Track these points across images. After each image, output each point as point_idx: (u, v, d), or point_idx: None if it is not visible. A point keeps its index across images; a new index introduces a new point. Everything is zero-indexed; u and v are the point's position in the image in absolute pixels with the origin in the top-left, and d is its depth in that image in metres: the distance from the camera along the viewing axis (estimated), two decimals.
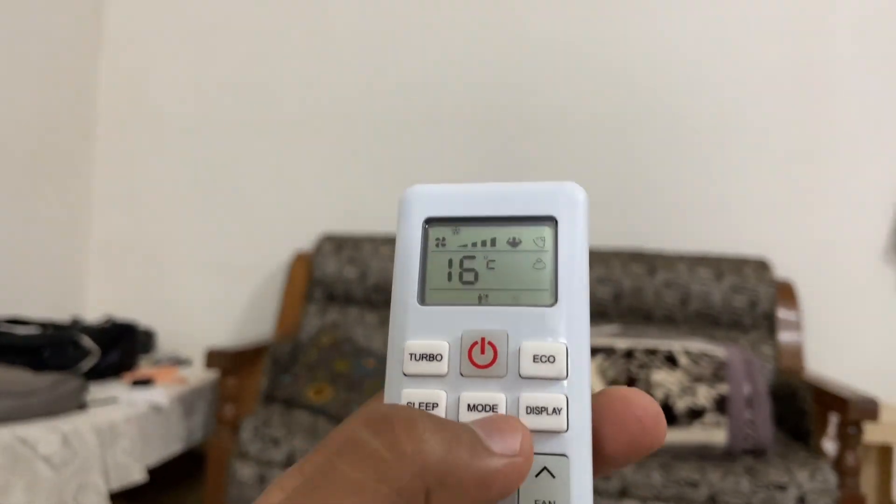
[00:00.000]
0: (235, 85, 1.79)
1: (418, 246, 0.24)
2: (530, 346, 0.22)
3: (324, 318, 1.63)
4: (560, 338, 0.22)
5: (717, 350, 1.30)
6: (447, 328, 0.23)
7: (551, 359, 0.22)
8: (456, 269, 0.24)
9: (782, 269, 1.49)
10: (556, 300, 0.23)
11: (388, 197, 1.66)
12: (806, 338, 1.46)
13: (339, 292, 1.65)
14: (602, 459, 0.22)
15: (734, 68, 1.53)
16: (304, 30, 1.77)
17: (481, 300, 0.23)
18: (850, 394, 1.24)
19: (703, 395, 1.24)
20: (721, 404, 1.24)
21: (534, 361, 0.22)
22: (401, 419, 0.19)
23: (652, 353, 1.28)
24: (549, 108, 1.62)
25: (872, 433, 1.35)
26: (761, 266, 1.49)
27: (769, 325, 1.47)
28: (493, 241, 0.24)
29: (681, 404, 1.23)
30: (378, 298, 1.67)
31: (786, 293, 1.48)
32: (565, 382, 0.22)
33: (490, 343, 0.22)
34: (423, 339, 0.23)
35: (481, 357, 0.22)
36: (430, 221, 0.24)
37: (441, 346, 0.23)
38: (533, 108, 1.65)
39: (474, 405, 0.22)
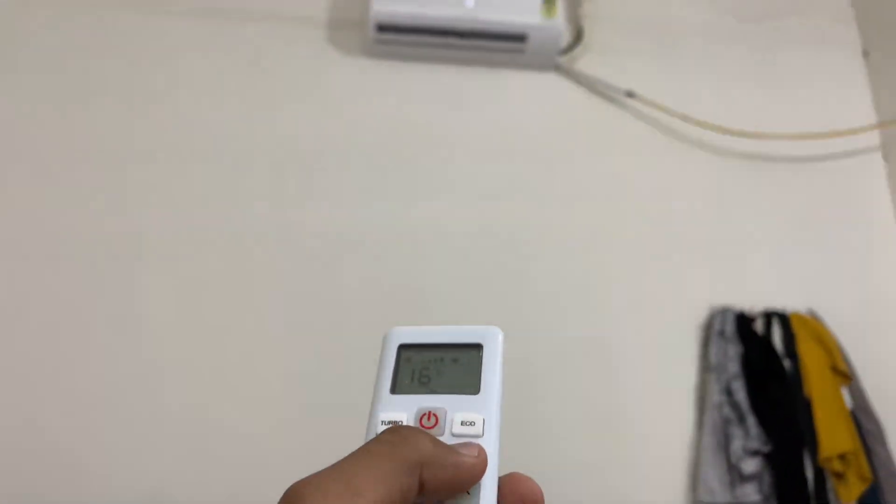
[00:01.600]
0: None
1: (393, 361, 0.36)
2: (459, 416, 0.33)
3: None
4: (479, 413, 0.34)
5: None
6: (408, 407, 0.34)
7: (473, 423, 0.33)
8: (417, 375, 0.36)
9: None
10: (479, 391, 0.35)
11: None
12: None
13: None
14: None
15: (535, 345, 1.47)
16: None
17: (432, 392, 0.35)
18: None
19: None
20: None
21: (461, 425, 0.33)
22: (407, 427, 0.32)
23: None
24: None
25: None
26: None
27: None
28: (442, 359, 0.36)
29: None
30: None
31: None
32: (481, 438, 0.33)
33: (434, 414, 0.34)
34: (391, 413, 0.34)
35: (427, 422, 0.34)
36: (403, 346, 0.37)
37: (402, 415, 0.34)
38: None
39: None
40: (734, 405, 1.48)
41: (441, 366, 0.36)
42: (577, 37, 1.71)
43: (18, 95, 1.52)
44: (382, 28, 1.58)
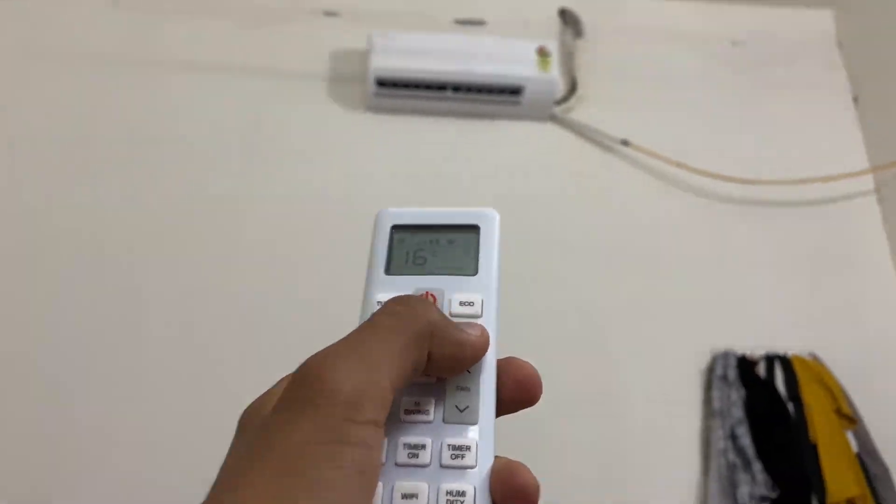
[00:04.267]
0: None
1: (386, 242, 0.35)
2: (458, 297, 0.33)
3: None
4: (478, 293, 0.33)
5: None
6: (405, 288, 0.33)
7: (472, 304, 0.33)
8: (412, 256, 0.35)
9: None
10: (476, 272, 0.34)
11: None
12: None
13: None
14: (498, 401, 0.31)
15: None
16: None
17: (428, 273, 0.34)
18: None
19: None
20: None
21: (460, 305, 0.33)
22: (415, 297, 0.32)
23: None
24: None
25: None
26: None
27: None
28: (437, 241, 0.35)
29: None
30: None
31: None
32: (480, 319, 0.33)
33: (432, 294, 0.33)
34: (387, 293, 0.33)
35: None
36: (396, 227, 0.36)
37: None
38: None
39: None
40: (739, 450, 1.47)
41: (436, 247, 0.35)
42: (572, 87, 1.75)
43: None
44: (382, 83, 1.61)
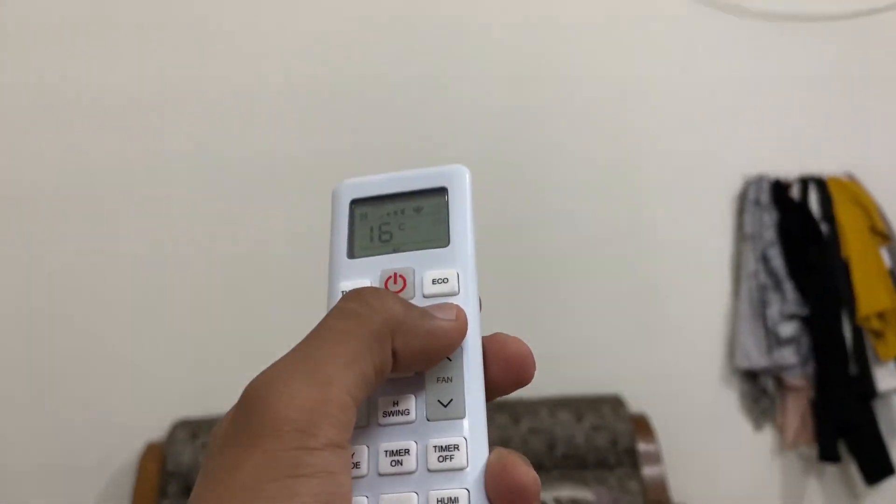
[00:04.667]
0: (65, 261, 1.53)
1: (346, 220, 0.32)
2: (430, 274, 0.29)
3: None
4: (452, 267, 0.29)
5: (587, 494, 1.34)
6: (370, 272, 0.30)
7: (446, 280, 0.29)
8: (376, 233, 0.31)
9: (635, 404, 1.51)
10: (448, 243, 0.30)
11: (243, 372, 1.45)
12: (667, 469, 1.47)
13: None
14: (486, 384, 0.28)
15: (571, 221, 1.55)
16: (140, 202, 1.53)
17: (395, 250, 0.31)
18: None
19: None
20: None
21: (433, 283, 0.29)
22: (370, 290, 0.27)
23: None
24: None
25: None
26: (616, 402, 1.50)
27: (632, 460, 1.46)
28: (403, 211, 0.31)
29: None
30: None
31: (642, 427, 1.48)
32: (457, 297, 0.29)
33: (401, 276, 0.30)
34: (351, 281, 0.30)
35: (394, 286, 0.29)
36: (355, 202, 0.32)
37: (364, 282, 0.30)
38: None
39: None
40: (770, 272, 1.49)
41: (402, 219, 0.31)
42: None
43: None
44: None
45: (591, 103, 1.56)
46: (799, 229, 1.49)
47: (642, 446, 1.47)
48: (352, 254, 0.31)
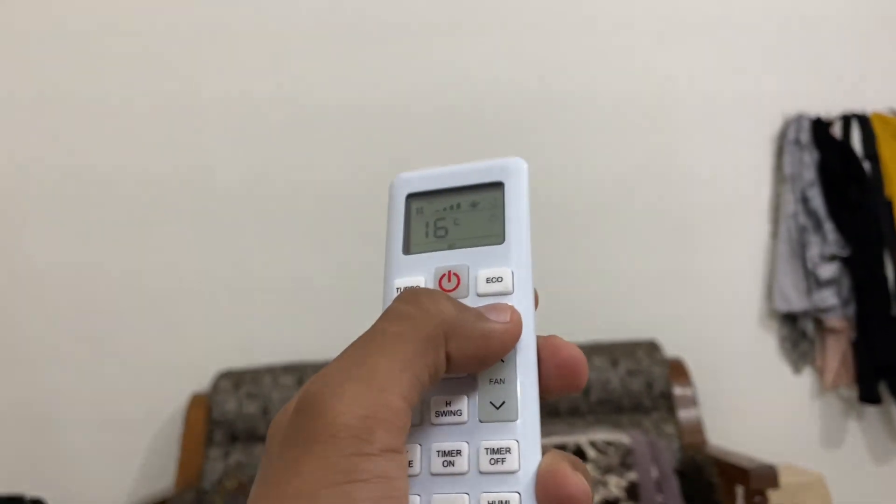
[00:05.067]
0: (114, 226, 1.59)
1: (402, 215, 0.32)
2: (484, 272, 0.29)
3: (227, 460, 1.52)
4: (507, 266, 0.29)
5: (622, 437, 1.34)
6: (424, 269, 0.30)
7: (500, 279, 0.29)
8: (431, 228, 0.31)
9: (671, 348, 1.51)
10: (504, 240, 0.30)
11: (284, 325, 1.54)
12: (703, 412, 1.49)
13: (242, 431, 1.53)
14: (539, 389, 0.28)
15: (606, 165, 1.53)
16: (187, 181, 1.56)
17: (450, 247, 0.30)
18: (749, 464, 1.26)
19: (615, 486, 1.28)
20: (632, 492, 1.27)
21: (487, 282, 0.29)
22: (425, 291, 0.27)
23: (560, 448, 1.25)
24: None
25: (780, 496, 1.35)
26: (652, 347, 1.50)
27: (667, 403, 1.48)
28: (458, 205, 0.31)
29: (595, 498, 1.23)
30: None
31: (677, 371, 1.49)
32: (511, 296, 0.28)
33: (455, 274, 0.29)
34: (406, 278, 0.30)
35: (448, 284, 0.29)
36: (411, 196, 0.32)
37: (419, 280, 0.30)
38: None
39: None
40: (810, 213, 1.46)
41: (458, 213, 0.31)
42: None
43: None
44: None
45: (628, 46, 1.53)
46: (840, 168, 1.46)
47: (678, 390, 1.47)
48: (407, 249, 0.31)
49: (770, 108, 1.52)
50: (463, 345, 0.26)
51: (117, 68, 1.51)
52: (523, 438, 0.27)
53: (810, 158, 1.47)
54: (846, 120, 1.48)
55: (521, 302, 0.28)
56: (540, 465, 0.26)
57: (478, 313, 0.27)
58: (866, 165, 1.45)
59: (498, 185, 0.31)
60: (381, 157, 1.49)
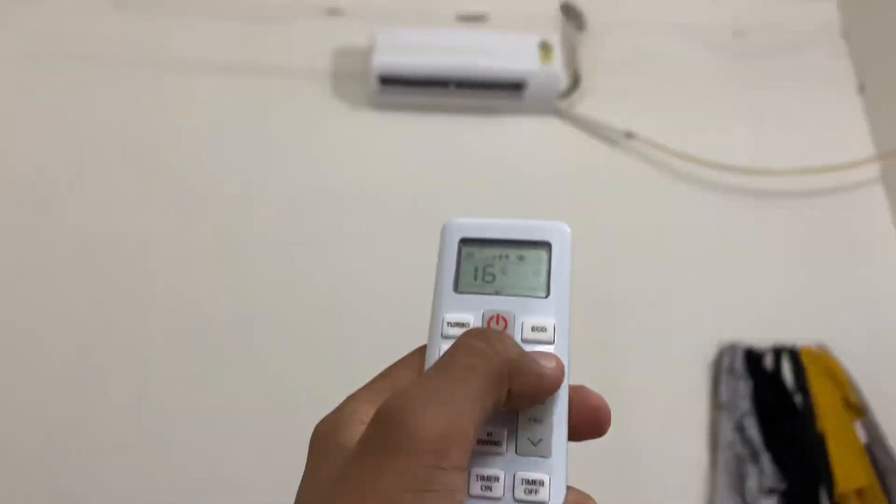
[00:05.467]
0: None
1: (454, 256, 0.34)
2: (529, 321, 0.32)
3: None
4: (550, 318, 0.32)
5: None
6: (473, 308, 0.33)
7: (544, 329, 0.32)
8: (480, 273, 0.34)
9: None
10: (548, 294, 0.33)
11: None
12: None
13: None
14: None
15: None
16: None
17: (497, 293, 0.33)
18: None
19: None
20: None
21: (532, 331, 0.32)
22: (494, 332, 0.30)
23: None
24: None
25: None
26: None
27: None
28: (507, 256, 0.34)
29: None
30: None
31: None
32: (552, 346, 0.32)
33: (503, 318, 0.32)
34: (456, 314, 0.32)
35: (496, 326, 0.32)
36: (464, 241, 0.35)
37: (468, 317, 0.32)
38: None
39: None
40: (747, 442, 1.47)
41: (506, 264, 0.34)
42: (575, 81, 1.75)
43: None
44: (385, 80, 1.62)
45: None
46: (774, 400, 1.49)
47: None
48: (457, 288, 0.34)
49: (706, 333, 1.58)
50: (522, 383, 0.30)
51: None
52: (554, 474, 0.30)
53: (745, 387, 1.51)
54: (777, 352, 1.55)
55: (562, 352, 0.32)
56: (567, 498, 0.31)
57: (533, 357, 0.30)
58: (798, 398, 1.49)
59: (545, 244, 0.34)
60: None
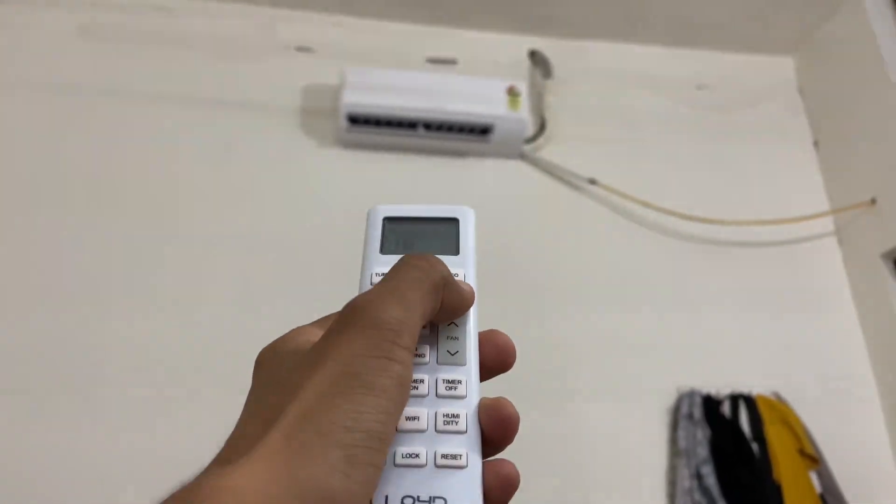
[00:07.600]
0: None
1: (379, 231, 0.41)
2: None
3: None
4: (461, 269, 0.40)
5: None
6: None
7: (457, 275, 0.39)
8: (402, 241, 0.41)
9: None
10: (458, 252, 0.40)
11: None
12: None
13: None
14: (480, 363, 0.38)
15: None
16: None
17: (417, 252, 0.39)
18: None
19: None
20: None
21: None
22: (431, 255, 0.37)
23: None
24: None
25: None
26: None
27: None
28: (423, 230, 0.41)
29: None
30: None
31: None
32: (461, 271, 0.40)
33: None
34: (383, 268, 0.37)
35: None
36: (387, 219, 0.42)
37: None
38: None
39: None
40: (705, 490, 1.48)
41: (423, 233, 0.42)
42: (541, 127, 1.78)
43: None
44: (353, 119, 1.62)
45: (529, 308, 1.61)
46: (731, 448, 1.51)
47: None
48: (383, 251, 0.40)
49: (665, 380, 1.59)
50: (451, 296, 0.36)
51: None
52: (470, 377, 0.36)
53: (703, 435, 1.52)
54: (734, 399, 1.56)
55: (473, 287, 0.39)
56: (483, 398, 0.36)
57: (457, 280, 0.37)
58: (755, 446, 1.51)
59: (454, 220, 0.42)
60: None
